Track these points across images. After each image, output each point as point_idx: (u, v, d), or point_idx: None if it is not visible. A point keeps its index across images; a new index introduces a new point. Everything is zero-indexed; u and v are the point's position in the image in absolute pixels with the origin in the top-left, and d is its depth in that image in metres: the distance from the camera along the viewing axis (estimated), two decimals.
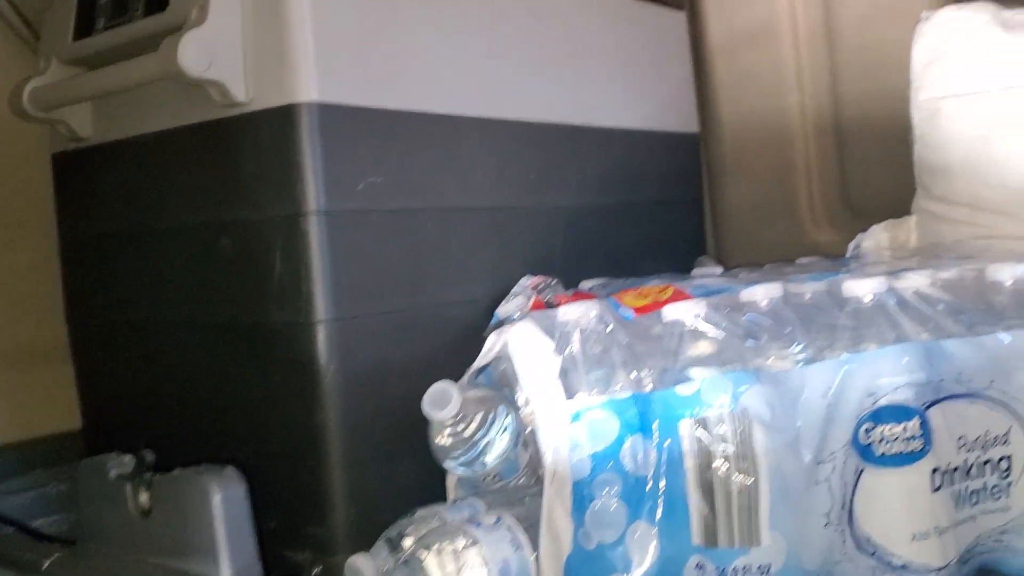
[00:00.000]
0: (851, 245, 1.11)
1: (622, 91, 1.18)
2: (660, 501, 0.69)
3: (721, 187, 1.42)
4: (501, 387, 0.83)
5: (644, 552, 0.68)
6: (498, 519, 0.73)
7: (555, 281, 0.99)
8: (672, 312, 0.71)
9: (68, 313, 1.04)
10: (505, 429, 0.82)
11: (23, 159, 1.08)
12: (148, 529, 0.80)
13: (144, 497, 0.78)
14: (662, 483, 0.69)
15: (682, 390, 0.69)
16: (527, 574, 0.72)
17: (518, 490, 0.84)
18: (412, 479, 0.85)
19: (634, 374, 0.70)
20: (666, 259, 1.23)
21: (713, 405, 0.68)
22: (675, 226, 1.27)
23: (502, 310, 0.96)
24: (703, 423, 0.68)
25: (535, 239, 1.04)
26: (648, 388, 0.70)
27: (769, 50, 1.36)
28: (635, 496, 0.69)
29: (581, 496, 0.69)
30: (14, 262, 1.12)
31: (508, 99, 1.01)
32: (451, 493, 0.88)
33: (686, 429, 0.68)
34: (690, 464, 0.69)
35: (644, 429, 0.69)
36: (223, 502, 0.71)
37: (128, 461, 0.81)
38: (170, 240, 0.91)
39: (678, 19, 1.31)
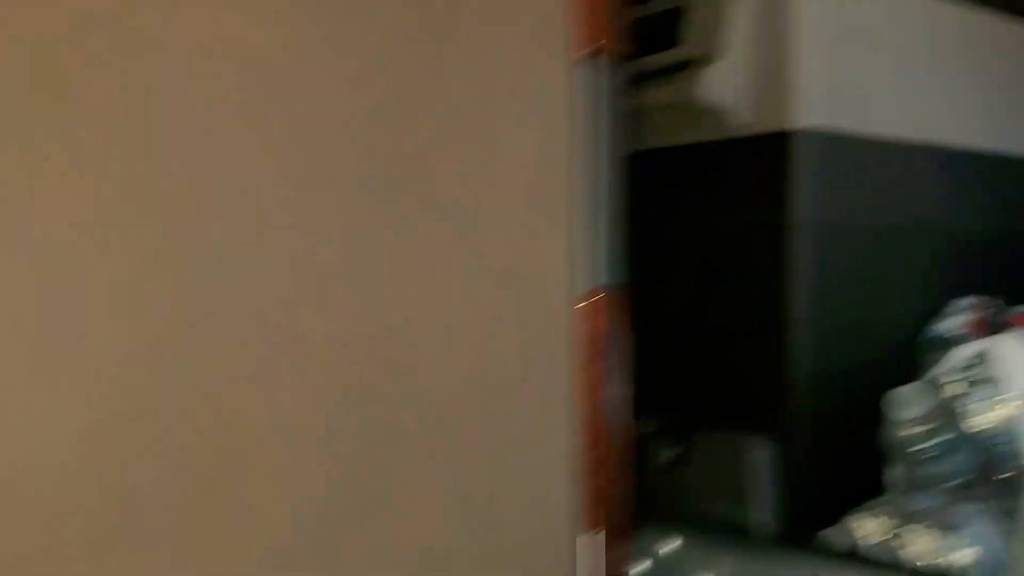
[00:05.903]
0: None
1: None
2: None
3: None
4: (942, 397, 0.91)
5: None
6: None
7: (998, 302, 1.04)
8: None
9: None
10: (954, 434, 0.90)
11: None
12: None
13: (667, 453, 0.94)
14: None
15: None
16: (1004, 564, 0.79)
17: (962, 492, 0.92)
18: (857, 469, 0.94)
19: None
20: None
21: None
22: None
23: (942, 326, 1.03)
24: None
25: (976, 261, 1.10)
26: None
27: None
28: None
29: None
30: None
31: (960, 131, 1.08)
32: (891, 488, 0.96)
33: None
34: None
35: None
36: (762, 461, 0.85)
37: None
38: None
39: None
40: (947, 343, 1.00)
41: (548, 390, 0.59)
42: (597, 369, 0.60)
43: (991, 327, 1.02)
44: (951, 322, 1.03)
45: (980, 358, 0.85)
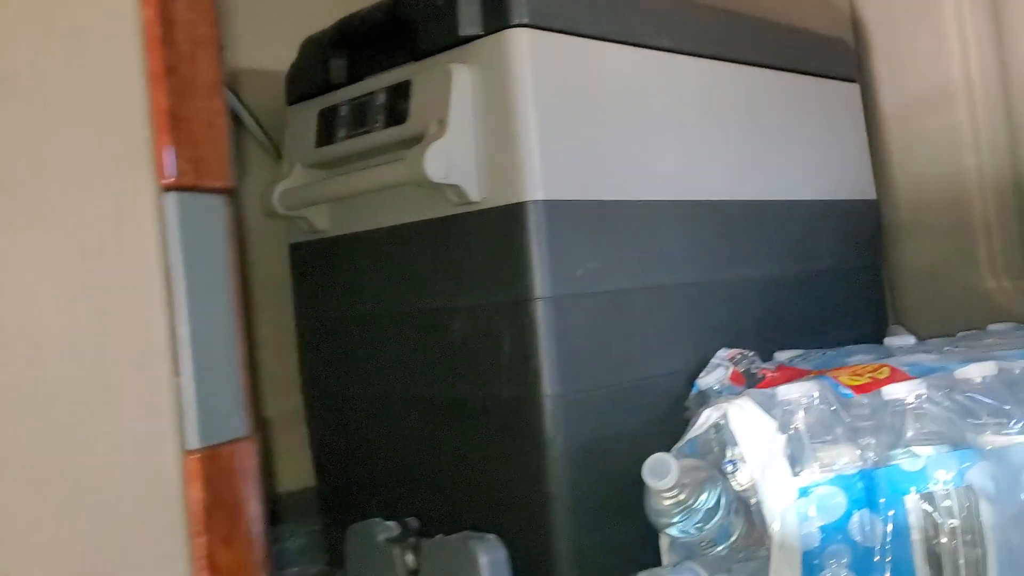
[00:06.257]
0: None
1: (802, 164, 1.23)
2: (888, 573, 0.73)
3: (899, 250, 1.44)
4: (706, 456, 0.89)
5: None
6: None
7: (752, 353, 1.04)
8: (893, 391, 0.76)
9: (304, 386, 1.16)
10: (718, 497, 0.88)
11: (267, 248, 1.21)
12: None
13: (411, 559, 0.87)
14: (889, 555, 0.73)
15: (907, 466, 0.73)
16: None
17: (731, 556, 0.90)
18: (630, 542, 0.91)
19: (859, 451, 0.74)
20: (849, 326, 1.27)
21: (938, 481, 0.72)
22: (857, 293, 1.31)
23: (702, 381, 1.02)
24: (929, 498, 0.72)
25: (729, 312, 1.10)
26: (873, 464, 0.74)
27: (944, 115, 1.39)
28: (864, 567, 0.73)
29: (811, 566, 0.74)
30: (253, 339, 1.25)
31: (700, 181, 1.08)
32: (665, 557, 0.94)
33: (912, 504, 0.73)
34: (917, 537, 0.73)
35: (871, 504, 0.74)
36: (489, 566, 0.80)
37: (393, 527, 0.91)
38: (404, 323, 1.02)
39: (852, 91, 1.35)
40: (706, 399, 0.99)
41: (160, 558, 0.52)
42: (221, 529, 0.53)
43: (748, 379, 1.02)
44: (712, 377, 1.02)
45: (721, 421, 0.84)
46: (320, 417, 1.15)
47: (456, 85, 0.92)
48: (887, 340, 1.11)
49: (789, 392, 0.78)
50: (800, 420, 0.76)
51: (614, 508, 0.93)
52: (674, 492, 0.87)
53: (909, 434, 0.74)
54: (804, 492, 0.75)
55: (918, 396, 0.75)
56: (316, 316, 1.14)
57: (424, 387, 1.01)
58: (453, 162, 0.91)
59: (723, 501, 0.87)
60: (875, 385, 0.78)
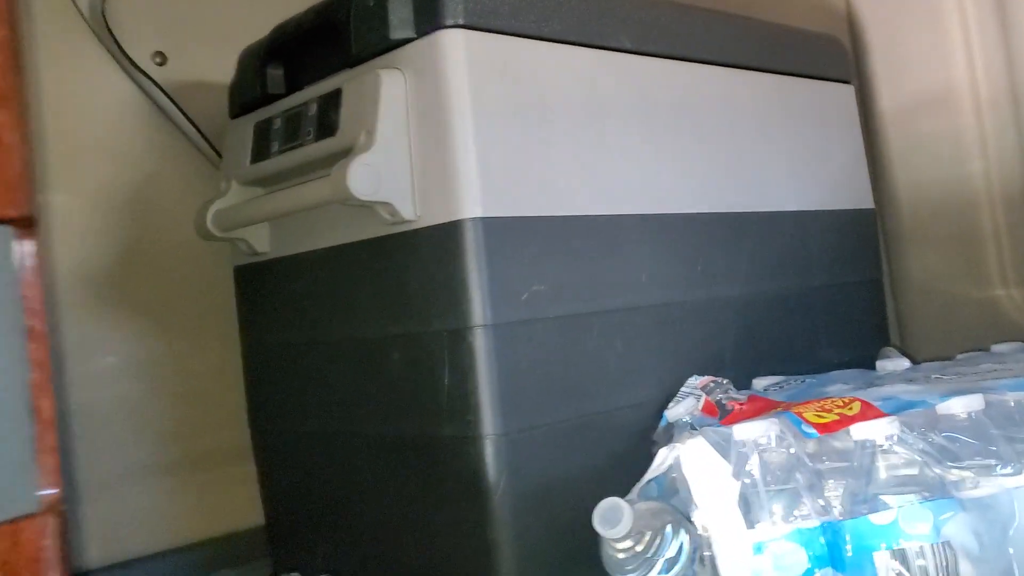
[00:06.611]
0: None
1: (790, 172, 1.14)
2: None
3: (901, 261, 1.35)
4: (672, 498, 0.80)
5: None
6: None
7: (725, 381, 0.95)
8: (861, 431, 0.66)
9: (251, 418, 1.08)
10: (680, 545, 0.79)
11: (207, 271, 1.14)
12: None
13: None
14: None
15: (876, 519, 0.64)
16: None
17: None
18: None
19: (821, 500, 0.65)
20: (846, 346, 1.17)
21: (912, 536, 0.62)
22: (854, 310, 1.21)
23: (671, 413, 0.93)
24: (901, 556, 0.62)
25: (703, 335, 1.00)
26: (837, 516, 0.65)
27: (948, 116, 1.29)
28: None
29: None
30: (201, 368, 1.18)
31: (669, 193, 0.99)
32: None
33: (882, 562, 0.63)
34: None
35: (836, 562, 0.64)
36: None
37: None
38: (341, 352, 0.94)
39: (846, 92, 1.25)
40: (676, 432, 0.90)
41: None
42: None
43: (721, 411, 0.92)
44: (681, 407, 0.93)
45: (675, 464, 0.74)
46: (266, 452, 1.07)
47: (386, 93, 0.84)
48: (879, 363, 1.01)
49: (744, 432, 0.69)
50: (755, 464, 0.67)
51: (566, 559, 0.84)
52: (627, 542, 0.78)
53: (879, 481, 0.65)
54: (759, 548, 0.65)
55: (889, 436, 0.65)
56: (260, 343, 1.06)
57: (365, 423, 0.93)
58: (382, 177, 0.83)
59: (685, 549, 0.78)
60: (843, 423, 0.68)
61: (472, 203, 0.82)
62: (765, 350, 1.07)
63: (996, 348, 1.01)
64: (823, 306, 1.15)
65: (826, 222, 1.18)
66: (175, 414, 1.15)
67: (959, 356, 0.98)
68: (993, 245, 1.28)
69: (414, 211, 0.84)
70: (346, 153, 0.85)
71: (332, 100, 0.90)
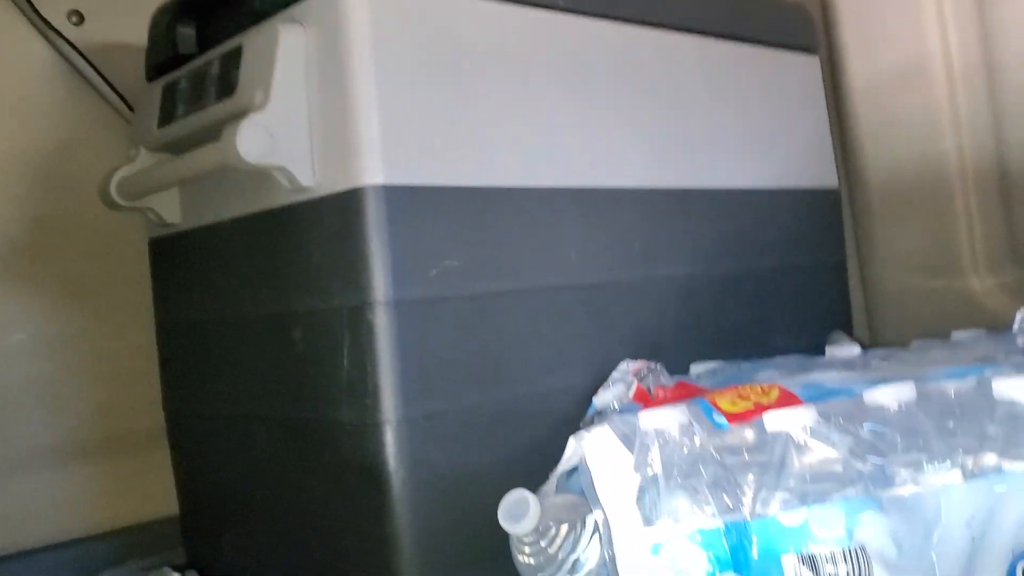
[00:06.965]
0: (1019, 316, 0.95)
1: (744, 148, 1.07)
2: None
3: (870, 244, 1.28)
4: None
5: None
6: None
7: (657, 366, 0.88)
8: (775, 421, 0.60)
9: (165, 400, 1.02)
10: (597, 543, 0.72)
11: (125, 243, 1.08)
12: None
13: None
14: None
15: (785, 519, 0.57)
16: None
17: None
18: None
19: (727, 498, 0.58)
20: (801, 332, 1.10)
21: (822, 539, 0.56)
22: (812, 294, 1.14)
23: (599, 399, 0.86)
24: (810, 561, 0.56)
25: (641, 317, 0.94)
26: (744, 515, 0.58)
27: (920, 92, 1.21)
28: None
29: None
30: (118, 346, 1.12)
31: (601, 166, 0.92)
32: None
33: (790, 567, 0.56)
34: None
35: (739, 566, 0.58)
36: None
37: None
38: (246, 330, 0.88)
39: (811, 63, 1.18)
40: (604, 420, 0.83)
41: None
42: None
43: (649, 397, 0.86)
44: (609, 394, 0.86)
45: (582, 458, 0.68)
46: (179, 437, 1.01)
47: (284, 48, 0.77)
48: (827, 349, 0.94)
49: (649, 420, 0.62)
50: (656, 457, 0.60)
51: (476, 558, 0.78)
52: (533, 538, 0.72)
53: (792, 477, 0.58)
54: (656, 549, 0.59)
55: (804, 426, 0.59)
56: (172, 321, 1.00)
57: (270, 407, 0.87)
58: (277, 139, 0.76)
59: (605, 548, 0.72)
60: (758, 412, 0.62)
61: (373, 170, 0.75)
62: (710, 335, 1.00)
63: (956, 335, 0.94)
64: (777, 290, 1.08)
65: (783, 201, 1.11)
66: (89, 395, 1.09)
67: (913, 343, 0.91)
68: (965, 227, 1.21)
69: (313, 177, 0.78)
70: (245, 114, 0.79)
71: (233, 58, 0.83)
